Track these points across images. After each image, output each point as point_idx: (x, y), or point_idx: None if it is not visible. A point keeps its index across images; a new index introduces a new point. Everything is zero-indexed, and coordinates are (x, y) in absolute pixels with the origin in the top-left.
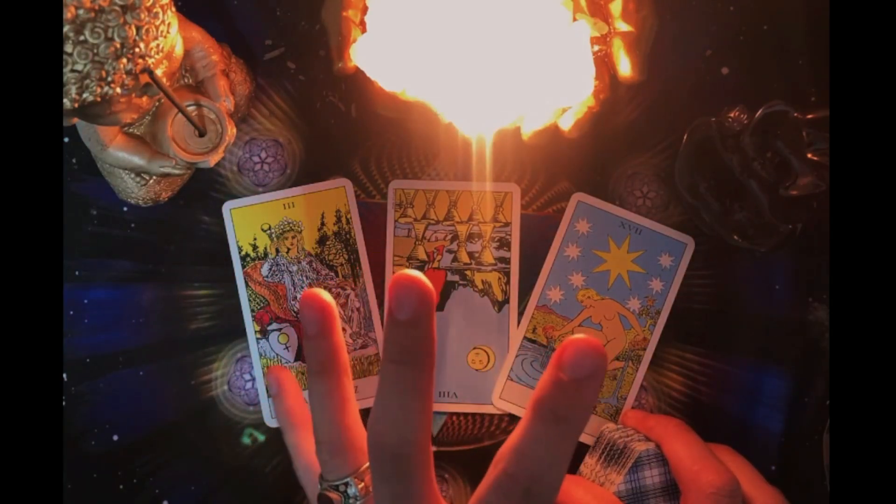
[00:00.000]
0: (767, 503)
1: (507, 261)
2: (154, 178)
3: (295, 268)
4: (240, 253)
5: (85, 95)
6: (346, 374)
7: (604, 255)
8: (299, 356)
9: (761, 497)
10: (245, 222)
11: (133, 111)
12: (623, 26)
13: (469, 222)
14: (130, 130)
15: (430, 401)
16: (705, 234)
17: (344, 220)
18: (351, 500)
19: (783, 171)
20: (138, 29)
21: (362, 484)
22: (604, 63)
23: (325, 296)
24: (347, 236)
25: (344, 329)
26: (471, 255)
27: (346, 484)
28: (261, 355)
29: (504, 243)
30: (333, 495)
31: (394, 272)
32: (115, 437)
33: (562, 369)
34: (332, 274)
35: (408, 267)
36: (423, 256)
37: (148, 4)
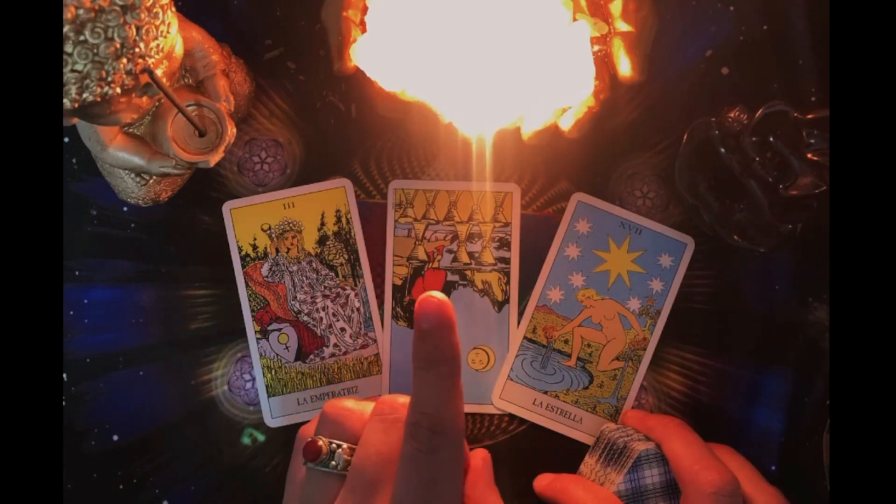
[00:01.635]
0: (768, 503)
1: (507, 261)
2: (154, 178)
3: (295, 268)
4: (240, 253)
5: (85, 95)
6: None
7: (604, 255)
8: (299, 356)
9: (761, 497)
10: (245, 222)
11: (133, 111)
12: (623, 26)
13: (469, 222)
14: (130, 130)
15: (462, 392)
16: (705, 234)
17: (344, 220)
18: (333, 462)
19: (783, 171)
20: (138, 29)
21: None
22: (604, 63)
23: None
24: (347, 236)
25: (343, 329)
26: (471, 255)
27: (339, 446)
28: (261, 355)
29: (504, 243)
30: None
31: (394, 272)
32: (115, 437)
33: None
34: (332, 274)
35: (408, 267)
36: (423, 256)
37: (148, 4)
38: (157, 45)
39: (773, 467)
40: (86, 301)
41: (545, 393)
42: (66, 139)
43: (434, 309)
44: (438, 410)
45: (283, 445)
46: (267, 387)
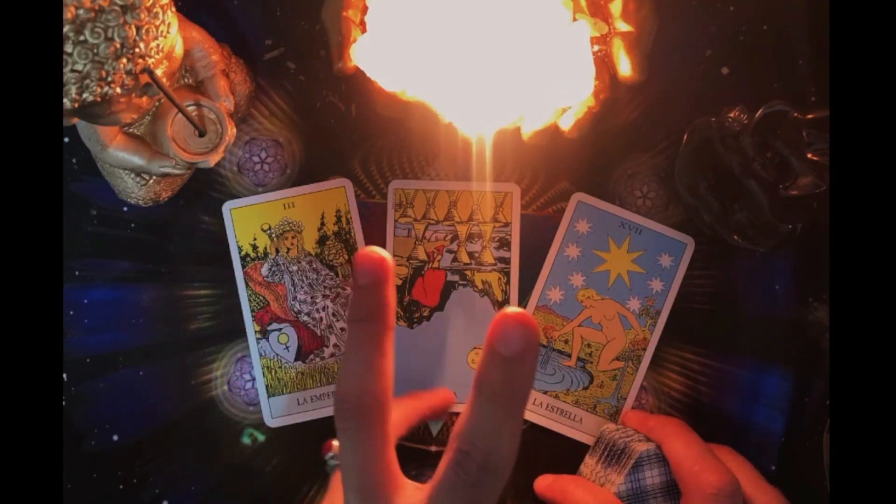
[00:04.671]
0: (768, 503)
1: (507, 261)
2: (154, 178)
3: (295, 268)
4: (240, 253)
5: (85, 95)
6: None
7: (604, 255)
8: (299, 356)
9: (761, 497)
10: (245, 222)
11: (133, 111)
12: (623, 26)
13: (469, 222)
14: (130, 130)
15: (387, 354)
16: (705, 234)
17: (344, 220)
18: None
19: (783, 171)
20: (138, 29)
21: None
22: (604, 63)
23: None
24: (347, 236)
25: (344, 329)
26: (471, 255)
27: None
28: (261, 355)
29: (504, 243)
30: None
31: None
32: (115, 437)
33: (495, 345)
34: (332, 274)
35: (407, 267)
36: (423, 256)
37: (148, 4)
38: (157, 45)
39: (773, 467)
40: (86, 301)
41: (545, 393)
42: (66, 139)
43: (373, 263)
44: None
45: (283, 445)
46: (267, 387)
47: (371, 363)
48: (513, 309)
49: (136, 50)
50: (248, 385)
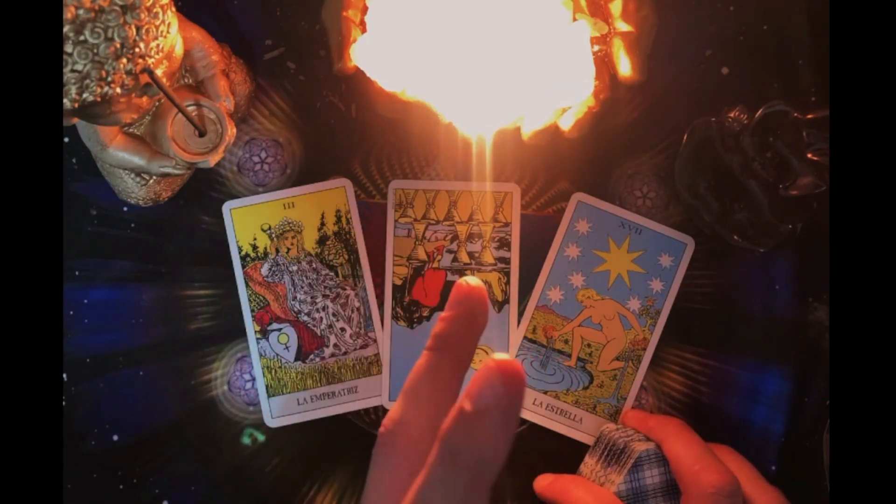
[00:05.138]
0: (768, 503)
1: (507, 261)
2: (154, 178)
3: (295, 268)
4: (240, 253)
5: (85, 95)
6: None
7: (604, 255)
8: (299, 356)
9: (761, 497)
10: (245, 222)
11: (133, 111)
12: (623, 26)
13: (469, 222)
14: (130, 130)
15: (447, 392)
16: (705, 234)
17: (344, 220)
18: None
19: (783, 171)
20: (138, 29)
21: None
22: (604, 63)
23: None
24: (347, 236)
25: (343, 329)
26: (471, 255)
27: None
28: (261, 355)
29: (504, 243)
30: None
31: (394, 272)
32: (115, 437)
33: (466, 396)
34: (332, 274)
35: (408, 267)
36: (423, 256)
37: (148, 4)
38: (157, 45)
39: (773, 467)
40: (86, 301)
41: (545, 393)
42: (66, 139)
43: (464, 294)
44: (417, 409)
45: (283, 445)
46: (267, 387)
47: (425, 398)
48: (499, 356)
49: (136, 50)
50: (248, 385)
